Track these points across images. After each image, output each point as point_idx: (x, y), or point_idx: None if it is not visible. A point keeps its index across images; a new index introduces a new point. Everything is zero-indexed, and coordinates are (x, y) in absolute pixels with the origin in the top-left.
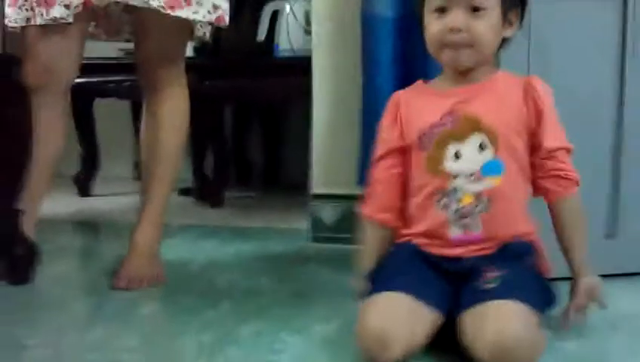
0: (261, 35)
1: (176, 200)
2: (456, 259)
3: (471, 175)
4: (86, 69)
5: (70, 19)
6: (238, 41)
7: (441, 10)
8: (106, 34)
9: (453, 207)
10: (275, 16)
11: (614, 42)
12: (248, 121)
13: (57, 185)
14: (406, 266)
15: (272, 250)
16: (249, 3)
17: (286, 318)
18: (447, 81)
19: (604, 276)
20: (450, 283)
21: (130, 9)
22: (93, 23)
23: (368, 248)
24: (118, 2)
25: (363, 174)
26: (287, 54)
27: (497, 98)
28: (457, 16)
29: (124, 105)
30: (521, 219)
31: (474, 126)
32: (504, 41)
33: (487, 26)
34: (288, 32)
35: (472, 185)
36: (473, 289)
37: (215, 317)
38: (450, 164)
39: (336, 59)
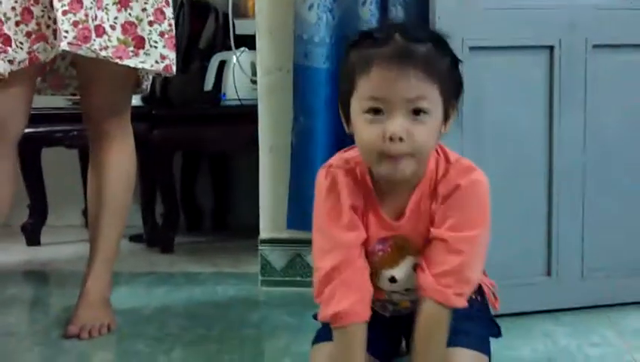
0: (208, 85)
1: (127, 246)
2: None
3: (407, 290)
4: (34, 118)
5: (6, 75)
6: (186, 91)
7: (375, 112)
8: (51, 88)
9: (390, 308)
10: (222, 66)
11: (542, 94)
12: (197, 167)
13: (5, 234)
14: None
15: (222, 294)
16: (197, 53)
17: None
18: (379, 183)
19: (543, 311)
20: (393, 332)
21: (76, 62)
22: (39, 78)
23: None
24: (64, 57)
25: (293, 218)
26: (233, 103)
27: (424, 210)
28: (398, 123)
29: (72, 154)
30: None
31: (406, 252)
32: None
33: (429, 132)
34: (235, 82)
35: (408, 296)
36: None
37: None
38: (385, 285)
39: (280, 109)
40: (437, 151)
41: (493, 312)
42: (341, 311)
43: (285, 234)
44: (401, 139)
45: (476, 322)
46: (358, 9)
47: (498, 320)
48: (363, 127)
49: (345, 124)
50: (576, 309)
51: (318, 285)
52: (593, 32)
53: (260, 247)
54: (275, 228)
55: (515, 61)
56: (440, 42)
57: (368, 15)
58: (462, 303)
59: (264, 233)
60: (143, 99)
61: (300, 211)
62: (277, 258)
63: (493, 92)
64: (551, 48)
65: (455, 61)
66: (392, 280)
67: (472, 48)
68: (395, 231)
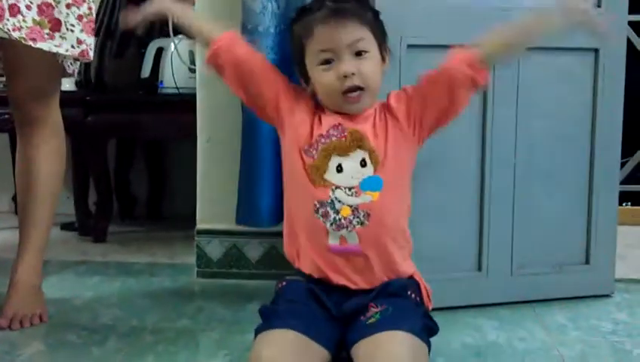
0: (145, 72)
1: (59, 234)
2: (341, 301)
3: (350, 188)
4: None
5: None
6: (122, 77)
7: (327, 62)
8: None
9: (332, 216)
10: (159, 53)
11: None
12: (132, 155)
13: None
14: (297, 306)
15: (157, 285)
16: (134, 39)
17: (173, 355)
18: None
19: (472, 306)
20: (338, 323)
21: (0, 44)
22: None
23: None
24: None
25: (242, 213)
26: (171, 91)
27: (378, 124)
28: (347, 62)
29: (1, 138)
30: (399, 239)
31: (358, 142)
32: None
33: (373, 66)
34: (173, 70)
35: (350, 199)
36: (358, 326)
37: (101, 355)
38: (331, 176)
39: (219, 98)
40: None
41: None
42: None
43: (222, 225)
44: (353, 75)
45: (416, 315)
46: None
47: (430, 313)
48: (321, 75)
49: (304, 84)
50: (504, 304)
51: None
52: None
53: (196, 238)
54: (212, 219)
55: None
56: (361, 1)
57: None
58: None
59: (201, 224)
60: (78, 84)
61: (250, 207)
62: (213, 249)
63: None
64: None
65: (376, 13)
66: (339, 169)
67: (410, 46)
68: (346, 120)
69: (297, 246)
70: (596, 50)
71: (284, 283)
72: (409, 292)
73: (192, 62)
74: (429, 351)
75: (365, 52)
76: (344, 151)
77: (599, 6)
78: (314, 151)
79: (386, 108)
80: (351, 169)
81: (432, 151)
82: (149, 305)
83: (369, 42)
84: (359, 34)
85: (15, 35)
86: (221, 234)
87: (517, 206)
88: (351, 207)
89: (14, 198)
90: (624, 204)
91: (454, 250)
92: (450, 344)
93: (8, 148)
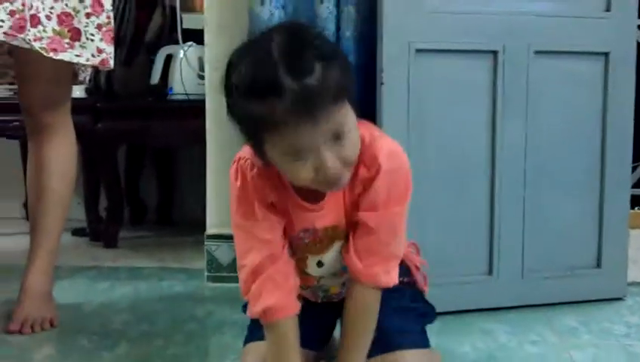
0: (155, 78)
1: (70, 240)
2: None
3: (335, 274)
4: None
5: None
6: (132, 84)
7: (295, 154)
8: None
9: (321, 295)
10: (169, 60)
11: (486, 98)
12: (142, 161)
13: None
14: None
15: (168, 290)
16: (144, 46)
17: (183, 359)
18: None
19: (483, 310)
20: (324, 314)
21: (13, 52)
22: None
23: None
24: (1, 45)
25: None
26: (180, 98)
27: (348, 195)
28: (328, 160)
29: (12, 145)
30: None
31: (332, 237)
32: None
33: (354, 143)
34: (182, 77)
35: (337, 280)
36: None
37: (111, 360)
38: (313, 270)
39: None
40: None
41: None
42: (270, 306)
43: (232, 230)
44: (335, 169)
45: (411, 315)
46: (315, 6)
47: (440, 318)
48: (290, 168)
49: (258, 157)
50: (515, 308)
51: (245, 282)
52: (535, 39)
53: (206, 243)
54: (222, 223)
55: (459, 65)
56: (325, 54)
57: (326, 13)
58: (392, 281)
59: (210, 229)
60: (88, 91)
61: None
62: (223, 254)
63: (437, 95)
64: (495, 53)
65: (344, 61)
66: (320, 264)
67: (418, 51)
68: (316, 216)
69: None
70: (606, 54)
71: None
72: (403, 279)
73: (201, 68)
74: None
75: (346, 133)
76: (320, 250)
77: (608, 10)
78: (291, 247)
79: (360, 175)
80: (332, 260)
81: (443, 155)
82: (160, 309)
83: (348, 118)
84: (338, 119)
85: (36, 45)
86: (231, 238)
87: (527, 209)
88: (339, 284)
89: (25, 204)
90: (635, 208)
91: (465, 254)
92: (461, 348)
93: (19, 155)
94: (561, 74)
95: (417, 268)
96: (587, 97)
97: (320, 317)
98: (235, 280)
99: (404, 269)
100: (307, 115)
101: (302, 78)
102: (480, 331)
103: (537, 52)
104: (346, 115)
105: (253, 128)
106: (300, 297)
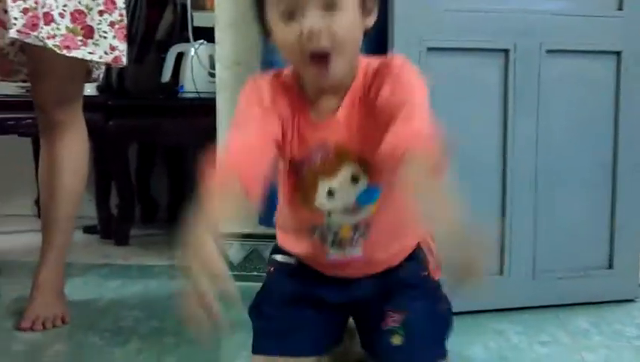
0: (166, 76)
1: (81, 238)
2: (342, 289)
3: (346, 209)
4: None
5: None
6: (143, 82)
7: (290, 15)
8: (2, 74)
9: (330, 238)
10: (180, 58)
11: (497, 96)
12: (153, 159)
13: None
14: (283, 311)
15: (178, 288)
16: (154, 44)
17: (194, 356)
18: (309, 87)
19: (495, 310)
20: (339, 311)
21: (26, 50)
22: None
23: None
24: (13, 43)
25: (264, 215)
26: (191, 96)
27: (363, 113)
28: (312, 17)
29: (24, 142)
30: (403, 234)
31: (343, 158)
32: (365, 32)
33: (348, 24)
34: (193, 75)
35: (348, 218)
36: (382, 343)
37: (122, 357)
38: (323, 202)
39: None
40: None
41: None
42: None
43: (242, 229)
44: (319, 33)
45: (439, 318)
46: None
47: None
48: (280, 31)
49: (267, 37)
50: (527, 308)
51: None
52: (547, 38)
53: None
54: (232, 222)
55: (471, 63)
56: None
57: None
58: (419, 130)
59: (221, 227)
60: (99, 89)
61: (272, 208)
62: (234, 252)
63: (449, 93)
64: (506, 52)
65: None
66: (330, 193)
67: (429, 49)
68: (328, 133)
69: (290, 248)
70: (618, 53)
71: (272, 268)
72: (422, 274)
73: (212, 66)
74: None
75: (337, 6)
76: (331, 172)
77: (621, 9)
78: (299, 174)
79: (374, 85)
80: (343, 189)
81: (452, 155)
82: (170, 306)
83: None
84: None
85: (50, 43)
86: (242, 237)
87: (539, 209)
88: (351, 225)
89: (37, 202)
90: None
91: None
92: (473, 348)
93: (31, 153)
94: (572, 73)
95: (432, 252)
96: (599, 96)
97: (330, 316)
98: (246, 279)
99: (421, 258)
100: None
101: None
102: (491, 331)
103: (549, 51)
104: None
105: None
106: (308, 272)
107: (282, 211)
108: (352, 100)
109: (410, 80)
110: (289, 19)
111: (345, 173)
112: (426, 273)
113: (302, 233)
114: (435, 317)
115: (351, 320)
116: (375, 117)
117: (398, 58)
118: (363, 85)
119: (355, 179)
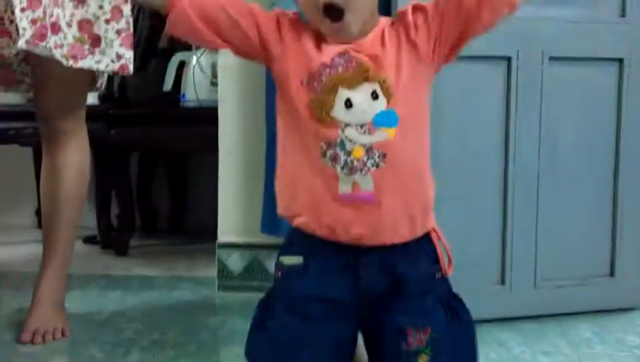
0: (168, 85)
1: (81, 248)
2: (351, 281)
3: (362, 126)
4: None
5: None
6: (144, 90)
7: None
8: (5, 85)
9: (342, 159)
10: (181, 66)
11: (500, 103)
12: (154, 168)
13: None
14: (291, 327)
15: (179, 299)
16: (156, 53)
17: None
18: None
19: (496, 320)
20: (349, 320)
21: (30, 60)
22: None
23: None
24: (17, 53)
25: (267, 222)
26: (193, 104)
27: (390, 49)
28: None
29: (25, 152)
30: (419, 184)
31: (366, 74)
32: None
33: None
34: (195, 83)
35: (363, 137)
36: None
37: None
38: (340, 112)
39: (241, 111)
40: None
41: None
42: None
43: (243, 238)
44: None
45: (459, 333)
46: None
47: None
48: None
49: None
50: (529, 318)
51: None
52: (550, 45)
53: (217, 251)
54: (233, 231)
55: (473, 71)
56: None
57: None
58: None
59: (222, 237)
60: (101, 97)
61: (274, 216)
62: (235, 262)
63: (452, 100)
64: (509, 59)
65: None
66: (348, 104)
67: None
68: (353, 48)
69: (297, 208)
70: (621, 60)
71: (280, 273)
72: (436, 276)
73: (214, 75)
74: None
75: None
76: (352, 84)
77: (624, 15)
78: (316, 84)
79: (403, 27)
80: (362, 103)
81: (454, 162)
82: (171, 318)
83: None
84: None
85: (57, 53)
86: (242, 247)
87: (540, 218)
88: (364, 146)
89: (37, 212)
90: None
91: (477, 263)
92: None
93: (32, 162)
94: (575, 80)
95: (444, 244)
96: (601, 104)
97: (340, 327)
98: (246, 289)
99: (433, 253)
100: None
101: None
102: (493, 341)
103: (552, 58)
104: None
105: None
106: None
107: (287, 156)
108: (375, 40)
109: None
110: None
111: (365, 87)
112: (440, 274)
113: (312, 166)
114: (461, 330)
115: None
116: (411, 46)
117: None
118: (381, 35)
119: (374, 97)
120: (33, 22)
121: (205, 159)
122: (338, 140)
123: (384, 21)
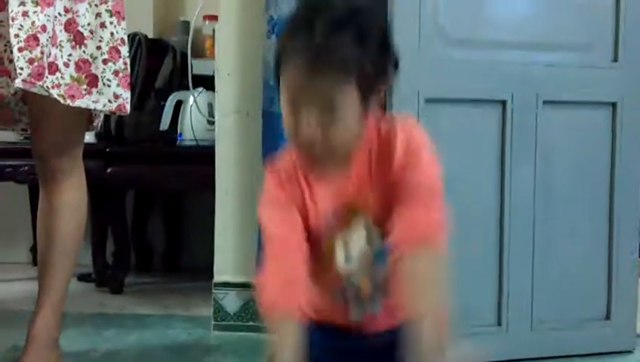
0: (165, 124)
1: (76, 286)
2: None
3: (364, 269)
4: None
5: None
6: (141, 129)
7: (293, 104)
8: (2, 123)
9: (352, 293)
10: (178, 106)
11: (495, 146)
12: (150, 207)
13: None
14: None
15: (174, 338)
16: (153, 92)
17: None
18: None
19: None
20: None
21: (27, 99)
22: None
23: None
24: (15, 92)
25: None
26: (190, 143)
27: (377, 171)
28: (307, 125)
29: (21, 190)
30: None
31: (355, 213)
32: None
33: (345, 128)
34: (192, 122)
35: (363, 271)
36: None
37: None
38: (342, 266)
39: (238, 151)
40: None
41: None
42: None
43: (239, 278)
44: (313, 144)
45: None
46: None
47: None
48: (285, 113)
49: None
50: (525, 360)
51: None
52: (544, 89)
53: (213, 291)
54: (229, 271)
55: (468, 114)
56: (367, 22)
57: None
58: (433, 221)
59: (218, 276)
60: (98, 136)
61: None
62: (230, 302)
63: (447, 143)
64: (503, 103)
65: (383, 39)
66: (347, 258)
67: (427, 100)
68: (341, 189)
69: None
70: (614, 104)
71: None
72: None
73: (211, 114)
74: None
75: (335, 106)
76: (345, 227)
77: (616, 60)
78: (319, 241)
79: (388, 157)
80: (359, 252)
81: (451, 203)
82: (166, 358)
83: (348, 100)
84: (337, 93)
85: (54, 92)
86: (238, 286)
87: (536, 261)
88: (368, 278)
89: (32, 249)
90: None
91: (474, 305)
92: None
93: (27, 200)
94: (569, 123)
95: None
96: (595, 147)
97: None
98: (242, 329)
99: None
100: (312, 67)
101: (332, 28)
102: None
103: (546, 102)
104: (346, 100)
105: (278, 60)
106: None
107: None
108: (362, 159)
109: (424, 156)
110: (292, 107)
111: (358, 227)
112: None
113: (324, 298)
114: None
115: None
116: (389, 179)
117: (407, 121)
118: (376, 144)
119: (369, 237)
120: (30, 61)
121: (201, 198)
122: (344, 285)
123: (373, 133)
